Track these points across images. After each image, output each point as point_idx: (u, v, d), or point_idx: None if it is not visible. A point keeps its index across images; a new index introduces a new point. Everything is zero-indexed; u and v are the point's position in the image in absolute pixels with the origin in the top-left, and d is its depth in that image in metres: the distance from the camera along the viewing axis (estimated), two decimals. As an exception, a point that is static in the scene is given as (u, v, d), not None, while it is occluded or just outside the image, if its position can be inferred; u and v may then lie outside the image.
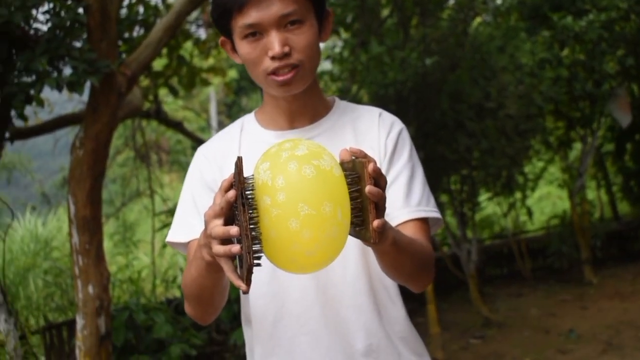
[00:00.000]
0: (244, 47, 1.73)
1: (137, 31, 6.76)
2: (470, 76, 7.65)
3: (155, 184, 11.35)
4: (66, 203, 5.06)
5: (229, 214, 1.43)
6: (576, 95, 8.89)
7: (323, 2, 1.79)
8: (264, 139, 1.82)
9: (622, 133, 10.58)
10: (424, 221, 1.80)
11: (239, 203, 1.37)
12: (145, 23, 6.64)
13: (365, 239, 1.45)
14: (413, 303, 8.23)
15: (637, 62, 9.44)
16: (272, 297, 1.81)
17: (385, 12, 8.82)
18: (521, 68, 7.78)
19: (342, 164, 1.46)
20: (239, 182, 1.37)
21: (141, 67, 5.40)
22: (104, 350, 4.92)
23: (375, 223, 1.37)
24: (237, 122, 1.95)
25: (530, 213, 10.48)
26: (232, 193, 1.38)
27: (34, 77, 4.49)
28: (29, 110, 5.61)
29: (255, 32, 1.70)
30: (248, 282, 1.38)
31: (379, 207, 1.39)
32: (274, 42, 1.68)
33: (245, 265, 1.35)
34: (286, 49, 1.69)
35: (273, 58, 1.69)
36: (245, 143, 1.87)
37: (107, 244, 11.25)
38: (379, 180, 1.41)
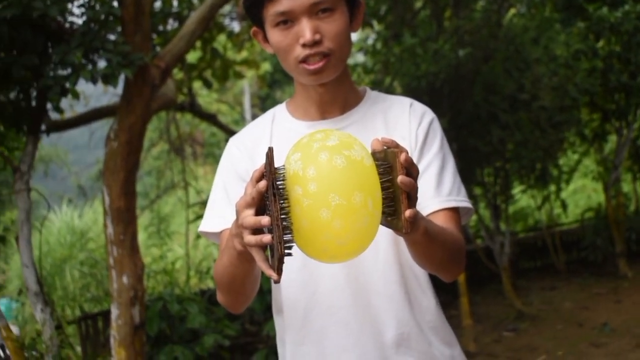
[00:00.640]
0: (276, 35, 1.74)
1: (171, 24, 6.81)
2: (504, 68, 7.61)
3: (189, 176, 11.41)
4: (101, 195, 5.11)
5: (260, 204, 1.44)
6: (611, 87, 8.80)
7: None
8: (295, 129, 1.83)
9: (658, 125, 10.46)
10: (455, 211, 1.80)
11: (270, 193, 1.38)
12: (179, 16, 6.69)
13: (397, 229, 1.45)
14: (446, 295, 8.22)
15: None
16: (303, 286, 1.81)
17: (418, 4, 8.81)
18: (555, 59, 7.72)
19: (373, 153, 1.46)
20: (270, 172, 1.38)
21: (175, 60, 5.43)
22: (138, 340, 4.97)
23: (407, 213, 1.37)
24: (269, 113, 1.96)
25: (564, 206, 10.40)
26: (263, 183, 1.39)
27: (69, 69, 4.55)
28: (64, 103, 5.69)
29: (287, 20, 1.71)
30: (279, 271, 1.38)
31: (411, 196, 1.39)
32: (305, 29, 1.69)
33: (277, 255, 1.36)
34: (317, 36, 1.69)
35: (304, 45, 1.70)
36: (277, 133, 1.88)
37: (141, 236, 11.36)
38: (411, 170, 1.41)
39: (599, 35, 8.61)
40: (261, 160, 1.47)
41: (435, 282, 1.88)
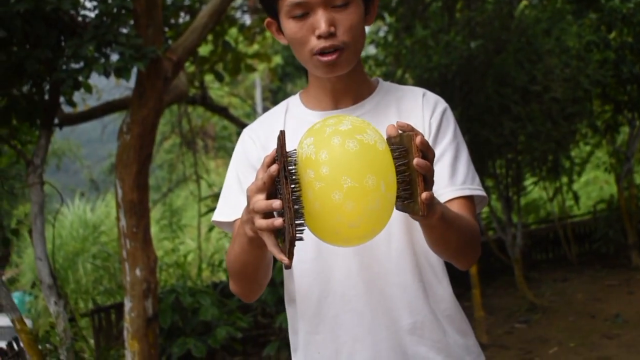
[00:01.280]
0: (291, 26, 1.74)
1: (183, 17, 6.83)
2: (516, 59, 7.59)
3: (201, 169, 11.46)
4: (114, 188, 5.14)
5: (272, 189, 1.44)
6: (624, 79, 8.77)
7: None
8: (309, 119, 1.82)
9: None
10: (470, 199, 1.80)
11: (281, 176, 1.38)
12: (191, 9, 6.70)
13: (413, 212, 1.45)
14: (459, 288, 8.19)
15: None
16: (316, 275, 1.81)
17: (429, -4, 8.78)
18: (567, 51, 7.68)
19: (389, 139, 1.46)
20: (281, 156, 1.38)
21: (187, 53, 5.45)
22: (151, 332, 4.99)
23: (424, 195, 1.37)
24: (283, 104, 1.97)
25: (576, 197, 10.38)
26: (274, 167, 1.40)
27: (82, 63, 4.56)
28: (77, 96, 5.71)
29: (302, 11, 1.71)
30: (290, 255, 1.38)
31: (427, 179, 1.39)
32: (321, 20, 1.69)
33: (288, 238, 1.36)
34: (332, 28, 1.69)
35: (319, 37, 1.70)
36: (290, 123, 1.88)
37: (153, 229, 11.39)
38: (427, 152, 1.41)
39: (611, 27, 8.57)
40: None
41: (447, 273, 1.88)
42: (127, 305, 4.99)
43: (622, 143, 10.35)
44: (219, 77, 8.11)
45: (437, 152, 1.79)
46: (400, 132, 1.46)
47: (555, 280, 9.59)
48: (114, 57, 4.67)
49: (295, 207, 1.37)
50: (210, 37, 7.59)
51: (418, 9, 8.30)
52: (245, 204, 1.53)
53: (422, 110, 1.84)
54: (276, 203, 1.39)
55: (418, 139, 1.38)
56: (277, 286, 6.46)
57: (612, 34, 8.66)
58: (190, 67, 8.30)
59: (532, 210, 12.80)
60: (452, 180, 1.78)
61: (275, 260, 1.58)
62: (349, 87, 1.84)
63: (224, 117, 10.66)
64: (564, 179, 9.72)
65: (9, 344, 5.78)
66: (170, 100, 7.13)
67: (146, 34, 4.84)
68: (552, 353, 6.62)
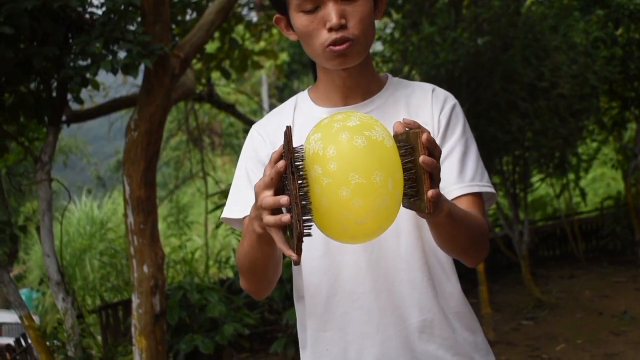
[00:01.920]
0: (301, 20, 1.74)
1: (190, 14, 6.83)
2: (523, 56, 7.58)
3: (208, 166, 11.47)
4: (121, 186, 5.14)
5: (280, 185, 1.43)
6: (631, 75, 8.75)
7: None
8: (318, 115, 1.81)
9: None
10: (478, 196, 1.79)
11: (289, 172, 1.38)
12: (198, 6, 6.70)
13: (420, 210, 1.44)
14: (465, 284, 8.17)
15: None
16: (325, 272, 1.81)
17: (436, -7, 8.77)
18: (575, 48, 7.67)
19: (396, 136, 1.46)
20: (289, 152, 1.38)
21: (194, 50, 5.45)
22: (158, 329, 4.99)
23: (430, 193, 1.37)
24: (292, 100, 1.97)
25: (583, 194, 10.38)
26: (282, 163, 1.39)
27: (89, 60, 4.57)
28: (85, 94, 5.71)
29: (313, 5, 1.72)
30: (299, 251, 1.38)
31: (434, 177, 1.39)
32: (332, 13, 1.69)
33: (296, 233, 1.35)
34: (343, 21, 1.70)
35: (330, 30, 1.70)
36: (299, 120, 1.88)
37: (161, 226, 11.41)
38: (434, 150, 1.40)
39: (618, 23, 8.56)
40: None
41: (456, 270, 1.88)
42: (135, 302, 4.99)
43: (630, 140, 10.34)
44: (226, 75, 8.12)
45: (446, 148, 1.79)
46: (407, 129, 1.45)
47: (563, 277, 9.59)
48: (122, 55, 4.67)
49: (303, 203, 1.37)
50: (217, 35, 7.59)
51: (425, 6, 8.29)
52: (254, 200, 1.53)
53: (431, 106, 1.84)
54: (284, 199, 1.39)
55: (424, 137, 1.38)
56: (284, 283, 6.47)
57: (620, 30, 8.65)
58: (197, 65, 8.30)
59: (539, 207, 12.79)
60: (461, 177, 1.78)
61: (284, 257, 1.58)
62: (359, 83, 1.84)
63: (231, 114, 10.68)
64: (571, 176, 9.71)
65: (17, 341, 5.80)
66: (178, 98, 7.14)
67: (154, 31, 4.84)
68: (559, 350, 6.62)
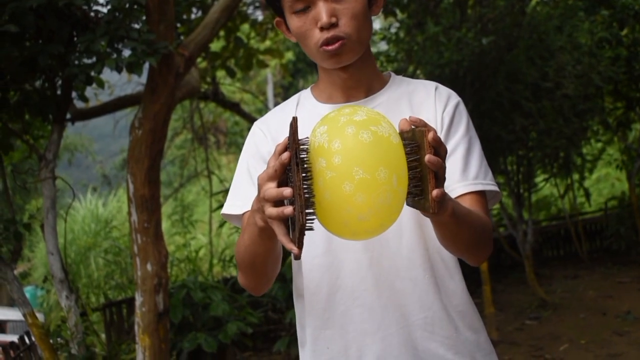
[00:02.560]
0: (295, 22, 1.75)
1: (195, 13, 6.84)
2: (527, 56, 7.58)
3: (212, 165, 11.48)
4: (126, 183, 5.15)
5: (283, 177, 1.43)
6: (635, 75, 8.73)
7: None
8: (320, 112, 1.79)
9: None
10: (482, 194, 1.79)
11: (293, 163, 1.36)
12: (203, 5, 6.71)
13: (424, 209, 1.43)
14: (469, 284, 8.17)
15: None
16: (326, 269, 1.80)
17: (441, -8, 8.77)
18: (579, 48, 7.67)
19: (401, 133, 1.44)
20: (293, 143, 1.36)
21: (199, 48, 5.46)
22: (162, 327, 5.01)
23: (434, 192, 1.36)
24: (294, 97, 1.96)
25: (587, 194, 10.37)
26: (286, 155, 1.39)
27: (94, 58, 4.58)
28: (89, 91, 5.72)
29: (304, 5, 1.72)
30: (300, 244, 1.36)
31: (439, 176, 1.38)
32: (321, 12, 1.69)
33: (298, 226, 1.34)
34: (333, 19, 1.69)
35: (321, 29, 1.71)
36: (301, 116, 1.84)
37: (165, 224, 11.43)
38: (439, 149, 1.39)
39: (623, 23, 8.54)
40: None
41: (460, 268, 1.87)
42: (139, 300, 5.00)
43: (634, 140, 10.32)
44: (231, 73, 8.13)
45: (450, 146, 1.78)
46: (412, 127, 1.44)
47: (566, 277, 9.58)
48: (126, 53, 4.68)
49: (306, 195, 1.35)
50: (222, 33, 7.60)
51: (430, 5, 8.29)
52: (255, 196, 1.53)
53: (434, 103, 1.83)
54: (287, 191, 1.37)
55: (430, 135, 1.37)
56: (287, 282, 6.47)
57: (624, 30, 8.63)
58: (202, 63, 8.31)
59: (543, 207, 12.78)
60: (464, 175, 1.77)
61: (285, 255, 1.58)
62: (360, 81, 1.83)
63: (236, 112, 10.69)
64: (575, 176, 9.70)
65: (21, 338, 5.81)
66: (182, 96, 7.14)
67: (158, 29, 4.85)
68: (562, 350, 6.61)
